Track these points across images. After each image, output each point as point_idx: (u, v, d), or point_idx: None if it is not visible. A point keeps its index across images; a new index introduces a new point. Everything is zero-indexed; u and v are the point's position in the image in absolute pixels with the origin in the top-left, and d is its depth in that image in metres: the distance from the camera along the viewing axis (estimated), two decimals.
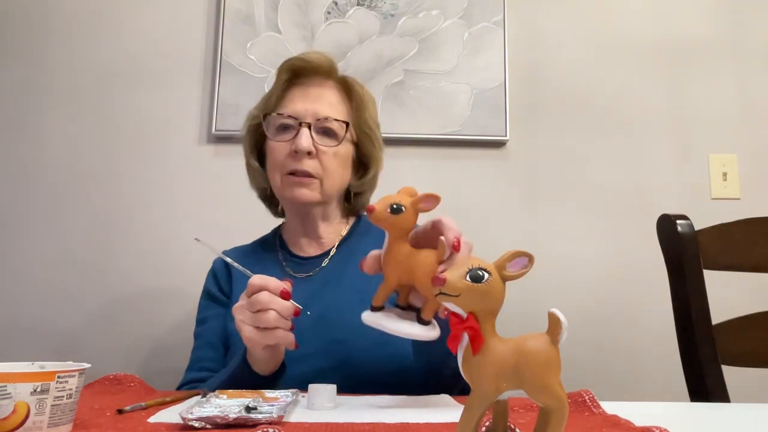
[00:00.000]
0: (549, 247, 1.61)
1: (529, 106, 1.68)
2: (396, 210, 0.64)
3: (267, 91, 1.07)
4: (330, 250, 1.05)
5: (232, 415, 0.55)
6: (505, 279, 0.41)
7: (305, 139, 0.96)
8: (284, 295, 0.75)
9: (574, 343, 1.44)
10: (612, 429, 0.56)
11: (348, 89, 1.04)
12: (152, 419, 0.59)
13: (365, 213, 1.12)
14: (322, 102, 1.00)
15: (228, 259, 0.88)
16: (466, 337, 0.41)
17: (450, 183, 1.63)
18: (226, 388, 0.72)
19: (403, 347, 0.81)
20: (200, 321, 1.05)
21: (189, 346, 1.05)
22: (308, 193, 0.98)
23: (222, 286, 1.05)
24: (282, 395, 0.68)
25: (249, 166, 1.08)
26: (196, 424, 0.54)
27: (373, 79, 1.63)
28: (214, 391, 0.69)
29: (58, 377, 0.51)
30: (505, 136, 1.62)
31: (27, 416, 0.49)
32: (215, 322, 1.02)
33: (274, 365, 0.81)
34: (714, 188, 1.66)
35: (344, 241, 1.06)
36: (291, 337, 0.77)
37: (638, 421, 0.57)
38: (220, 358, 0.99)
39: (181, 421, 0.55)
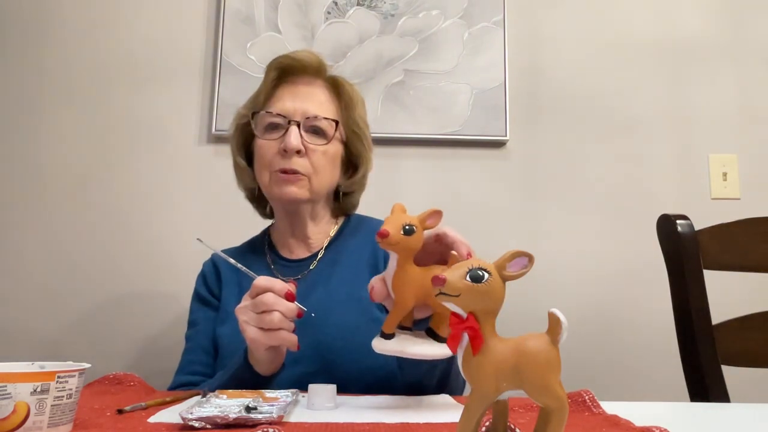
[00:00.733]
0: (549, 247, 1.61)
1: (529, 106, 1.68)
2: (409, 231, 0.63)
3: (256, 89, 1.06)
4: (318, 252, 1.04)
5: (232, 415, 0.55)
6: (505, 279, 0.41)
7: (294, 137, 0.95)
8: (289, 297, 0.76)
9: (574, 343, 1.44)
10: (612, 429, 0.56)
11: (337, 88, 1.04)
12: (152, 419, 0.59)
13: (355, 213, 1.13)
14: (311, 100, 0.99)
15: (231, 260, 0.88)
16: (466, 337, 0.41)
17: (450, 183, 1.63)
18: (227, 388, 0.72)
19: None
20: (191, 323, 1.05)
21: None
22: (297, 190, 0.97)
23: (211, 288, 1.05)
24: (282, 395, 0.68)
25: (236, 165, 1.07)
26: (196, 424, 0.54)
27: (373, 79, 1.63)
28: (214, 391, 0.69)
29: (58, 377, 0.51)
30: (505, 136, 1.62)
31: (27, 416, 0.49)
32: (205, 325, 1.01)
33: (275, 366, 0.81)
34: (714, 188, 1.66)
35: (332, 242, 1.06)
36: (294, 338, 0.77)
37: (638, 421, 0.57)
38: (210, 362, 0.98)
39: (181, 421, 0.55)
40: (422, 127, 1.62)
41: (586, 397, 0.67)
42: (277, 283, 0.76)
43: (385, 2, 1.67)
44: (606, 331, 1.58)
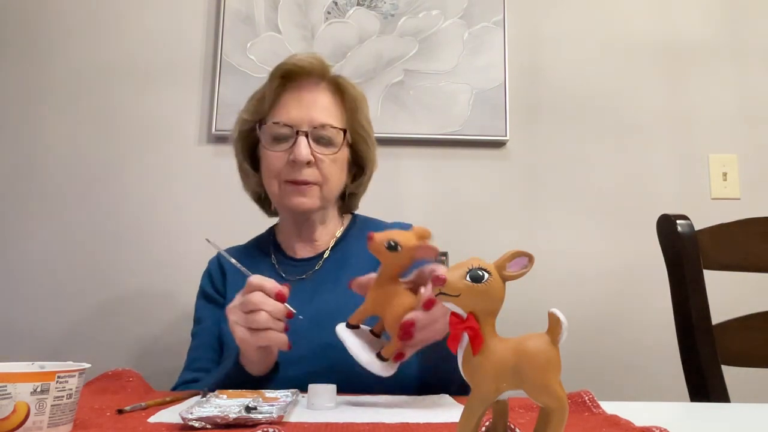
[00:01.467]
0: (549, 247, 1.61)
1: (529, 106, 1.68)
2: (391, 248, 0.66)
3: (255, 92, 1.05)
4: (324, 252, 1.04)
5: (232, 415, 0.55)
6: (505, 279, 0.41)
7: (304, 149, 0.95)
8: (279, 297, 0.76)
9: (574, 343, 1.44)
10: (612, 429, 0.56)
11: (341, 91, 1.03)
12: (152, 419, 0.59)
13: (360, 214, 1.13)
14: (316, 108, 0.99)
15: (233, 260, 0.88)
16: (466, 338, 0.41)
17: (450, 183, 1.63)
18: (218, 388, 0.72)
19: None
20: (197, 321, 1.05)
21: (188, 346, 1.05)
22: (308, 201, 0.98)
23: (217, 286, 1.05)
24: (282, 395, 0.68)
25: (242, 171, 1.07)
26: (196, 424, 0.54)
27: (373, 79, 1.63)
28: (214, 391, 0.69)
29: (58, 377, 0.51)
30: (505, 136, 1.62)
31: (27, 416, 0.49)
32: (211, 322, 1.02)
33: (266, 367, 0.81)
34: (714, 188, 1.66)
35: (338, 243, 1.06)
36: (283, 338, 0.76)
37: (638, 421, 0.57)
38: (216, 359, 0.99)
39: (181, 421, 0.55)
40: (422, 127, 1.62)
41: (586, 398, 0.67)
42: (268, 283, 0.76)
43: (385, 2, 1.67)
44: (606, 332, 1.58)
